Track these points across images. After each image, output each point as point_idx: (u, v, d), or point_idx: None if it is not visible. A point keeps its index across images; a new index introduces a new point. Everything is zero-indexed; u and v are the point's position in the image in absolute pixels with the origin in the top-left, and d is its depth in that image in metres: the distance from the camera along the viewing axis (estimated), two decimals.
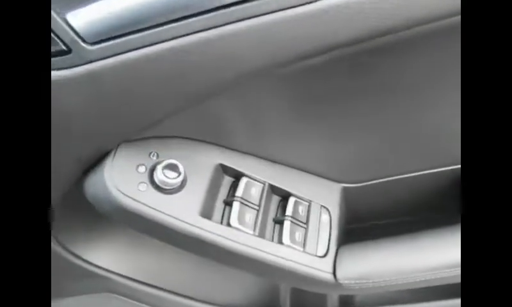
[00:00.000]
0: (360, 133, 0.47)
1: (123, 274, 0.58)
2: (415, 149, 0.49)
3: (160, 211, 0.39)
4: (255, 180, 0.47)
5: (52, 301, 0.60)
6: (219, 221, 0.43)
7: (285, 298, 0.67)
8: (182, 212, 0.40)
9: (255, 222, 0.44)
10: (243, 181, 0.46)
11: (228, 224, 0.43)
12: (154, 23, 0.31)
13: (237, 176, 0.47)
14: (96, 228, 0.54)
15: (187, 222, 0.40)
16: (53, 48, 0.30)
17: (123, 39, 0.31)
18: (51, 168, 0.30)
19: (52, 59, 0.31)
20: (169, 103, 0.36)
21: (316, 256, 0.45)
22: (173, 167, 0.40)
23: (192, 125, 0.43)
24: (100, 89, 0.33)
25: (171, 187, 0.40)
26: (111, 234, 0.55)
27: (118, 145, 0.40)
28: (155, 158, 0.41)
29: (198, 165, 0.43)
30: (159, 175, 0.39)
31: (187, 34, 0.31)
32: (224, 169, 0.47)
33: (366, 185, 0.52)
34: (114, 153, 0.39)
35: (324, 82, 0.40)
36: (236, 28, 0.31)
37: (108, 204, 0.38)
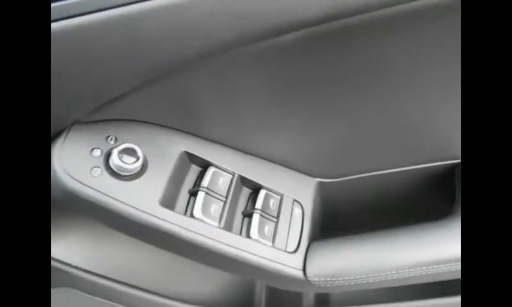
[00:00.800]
0: (337, 125, 0.44)
1: (84, 268, 0.54)
2: (395, 144, 0.46)
3: (115, 198, 0.36)
4: (223, 170, 0.44)
5: None
6: (183, 212, 0.41)
7: (260, 295, 0.64)
8: (140, 200, 0.37)
9: (221, 215, 0.41)
10: (210, 171, 0.43)
11: (192, 215, 0.40)
12: None
13: (204, 165, 0.44)
14: (54, 222, 0.50)
15: (145, 211, 0.37)
16: None
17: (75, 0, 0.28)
18: None
19: None
20: (127, 78, 0.33)
21: (285, 251, 0.42)
22: (130, 152, 0.37)
23: (155, 108, 0.40)
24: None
25: (129, 173, 0.37)
26: (69, 224, 0.52)
27: (71, 125, 0.36)
28: (112, 142, 0.38)
29: (160, 151, 0.40)
30: (114, 160, 0.36)
31: (144, 0, 0.28)
32: (190, 158, 0.44)
33: (343, 181, 0.50)
34: (66, 134, 0.36)
35: (296, 65, 0.37)
36: None
37: (57, 189, 0.35)
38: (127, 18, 0.29)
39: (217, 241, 0.39)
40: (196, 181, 0.44)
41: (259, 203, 0.44)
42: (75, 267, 0.53)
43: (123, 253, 0.57)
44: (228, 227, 0.42)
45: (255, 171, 0.46)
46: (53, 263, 0.51)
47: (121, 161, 0.36)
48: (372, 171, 0.49)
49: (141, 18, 0.29)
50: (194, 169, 0.45)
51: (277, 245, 0.42)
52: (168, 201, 0.39)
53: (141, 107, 0.39)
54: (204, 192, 0.41)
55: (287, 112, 0.44)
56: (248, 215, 0.44)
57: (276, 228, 0.43)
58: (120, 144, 0.37)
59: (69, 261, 0.53)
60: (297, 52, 0.35)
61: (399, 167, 0.48)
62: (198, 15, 0.30)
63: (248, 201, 0.46)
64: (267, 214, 0.44)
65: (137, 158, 0.37)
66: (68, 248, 0.52)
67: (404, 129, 0.45)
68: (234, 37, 0.32)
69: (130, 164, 0.37)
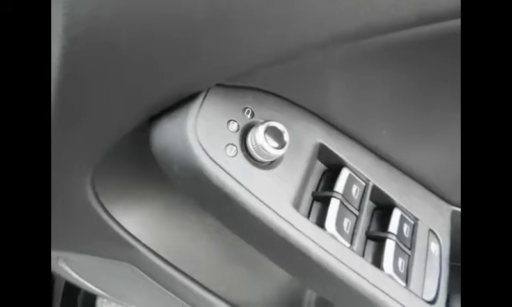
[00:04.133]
0: None
1: (152, 247, 0.47)
2: None
3: (246, 188, 0.28)
4: (357, 176, 0.35)
5: (69, 254, 0.52)
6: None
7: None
8: (272, 196, 0.29)
9: (353, 233, 0.33)
10: (345, 173, 0.34)
11: (322, 226, 0.31)
12: None
13: (333, 164, 0.36)
14: (136, 193, 0.43)
15: (276, 212, 0.29)
16: None
17: None
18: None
19: None
20: (278, 44, 0.24)
21: (422, 299, 0.33)
22: (276, 134, 0.28)
23: (293, 83, 0.32)
24: None
25: (267, 160, 0.29)
26: (149, 201, 0.44)
27: (209, 89, 0.28)
28: (249, 116, 0.30)
29: (297, 138, 0.32)
30: (257, 139, 0.28)
31: None
32: (321, 152, 0.35)
33: None
34: (203, 98, 0.28)
35: (436, 66, 0.28)
36: None
37: (183, 162, 0.27)
38: None
39: (349, 268, 0.31)
40: (319, 182, 0.35)
41: (394, 226, 0.35)
42: (142, 244, 0.46)
43: (189, 243, 0.50)
44: (360, 250, 0.33)
45: (390, 183, 0.37)
46: (124, 235, 0.44)
47: (267, 142, 0.28)
48: None
49: None
50: (319, 167, 0.36)
51: (412, 288, 0.33)
52: (297, 203, 0.31)
53: (279, 80, 0.31)
54: (339, 201, 0.32)
55: (439, 124, 0.35)
56: (375, 238, 0.35)
57: (410, 263, 0.35)
58: (263, 121, 0.29)
59: (138, 236, 0.46)
60: (434, 53, 0.26)
61: None
62: None
63: (372, 216, 0.37)
64: (402, 243, 0.35)
65: (283, 144, 0.28)
66: (141, 224, 0.45)
67: None
68: (364, 24, 0.22)
69: (274, 149, 0.28)
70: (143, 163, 0.39)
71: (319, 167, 0.36)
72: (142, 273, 0.51)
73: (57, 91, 0.27)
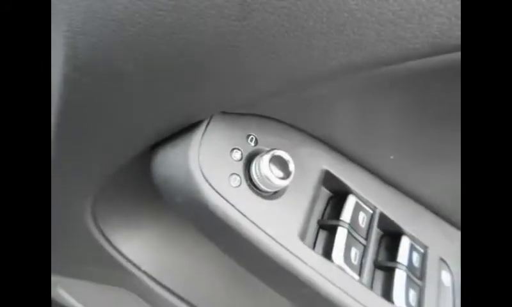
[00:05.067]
0: None
1: (150, 273, 0.46)
2: None
3: (251, 220, 0.27)
4: (364, 203, 0.34)
5: (68, 279, 0.50)
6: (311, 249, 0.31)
7: None
8: (278, 228, 0.28)
9: (361, 264, 0.32)
10: (351, 201, 0.33)
11: (328, 257, 0.30)
12: None
13: (338, 190, 0.35)
14: (136, 219, 0.42)
15: (283, 245, 0.27)
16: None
17: None
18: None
19: None
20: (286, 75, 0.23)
21: None
22: (282, 163, 0.27)
23: (298, 110, 0.31)
24: None
25: (272, 190, 0.28)
26: (149, 228, 0.43)
27: (212, 116, 0.27)
28: (253, 144, 0.29)
29: (302, 165, 0.31)
30: (262, 169, 0.27)
31: None
32: (326, 179, 0.34)
33: None
34: (206, 126, 0.27)
35: (443, 93, 0.28)
36: None
37: (186, 193, 0.26)
38: None
39: (359, 302, 0.29)
40: (325, 210, 0.34)
41: (403, 256, 0.34)
42: (144, 272, 0.45)
43: (190, 268, 0.49)
44: (369, 282, 0.32)
45: (398, 209, 0.36)
46: (123, 262, 0.42)
47: (271, 172, 0.27)
48: None
49: None
50: (324, 193, 0.35)
51: None
52: (303, 233, 0.30)
53: (282, 106, 0.30)
54: (346, 230, 0.31)
55: (447, 149, 0.34)
56: (387, 268, 0.34)
57: (421, 295, 0.33)
58: (270, 150, 0.28)
59: (138, 263, 0.44)
60: (439, 83, 0.26)
61: None
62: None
63: (380, 244, 0.36)
64: (412, 273, 0.34)
65: (288, 175, 0.27)
66: (141, 250, 0.44)
67: None
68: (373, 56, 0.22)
69: (278, 180, 0.27)
70: (143, 189, 0.38)
71: (324, 193, 0.35)
72: (141, 300, 0.50)
73: (58, 118, 0.26)
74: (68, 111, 0.26)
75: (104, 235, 0.39)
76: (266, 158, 0.27)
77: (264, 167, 0.27)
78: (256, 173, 0.27)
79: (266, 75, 0.22)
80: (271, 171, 0.27)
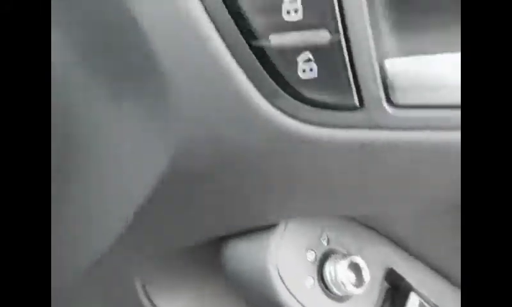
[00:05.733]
0: None
1: None
2: None
3: None
4: (427, 302, 0.34)
5: None
6: None
7: None
8: None
9: None
10: (414, 300, 0.33)
11: None
12: None
13: (399, 286, 0.35)
14: (181, 283, 0.43)
15: None
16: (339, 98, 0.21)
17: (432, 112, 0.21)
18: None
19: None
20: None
21: None
22: (357, 270, 0.28)
23: (367, 206, 0.32)
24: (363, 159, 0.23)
25: (343, 294, 0.29)
26: (192, 292, 0.44)
27: (288, 219, 0.29)
28: (325, 243, 0.30)
29: (371, 266, 0.32)
30: (338, 274, 0.28)
31: None
32: (388, 274, 0.34)
33: None
34: (284, 228, 0.28)
35: None
36: None
37: (260, 292, 0.27)
38: None
39: None
40: (383, 303, 0.34)
41: None
42: None
43: None
44: None
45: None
46: None
47: (348, 279, 0.28)
48: None
49: None
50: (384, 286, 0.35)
51: None
52: None
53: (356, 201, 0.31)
54: None
55: None
56: None
57: None
58: (347, 256, 0.29)
59: None
60: None
61: None
62: None
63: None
64: None
65: (361, 283, 0.28)
66: None
67: None
68: None
69: (353, 287, 0.28)
70: (192, 254, 0.39)
71: (384, 286, 0.35)
72: None
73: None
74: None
75: (146, 294, 0.40)
76: (344, 264, 0.28)
77: (340, 274, 0.28)
78: (330, 276, 0.28)
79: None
80: (348, 278, 0.28)
